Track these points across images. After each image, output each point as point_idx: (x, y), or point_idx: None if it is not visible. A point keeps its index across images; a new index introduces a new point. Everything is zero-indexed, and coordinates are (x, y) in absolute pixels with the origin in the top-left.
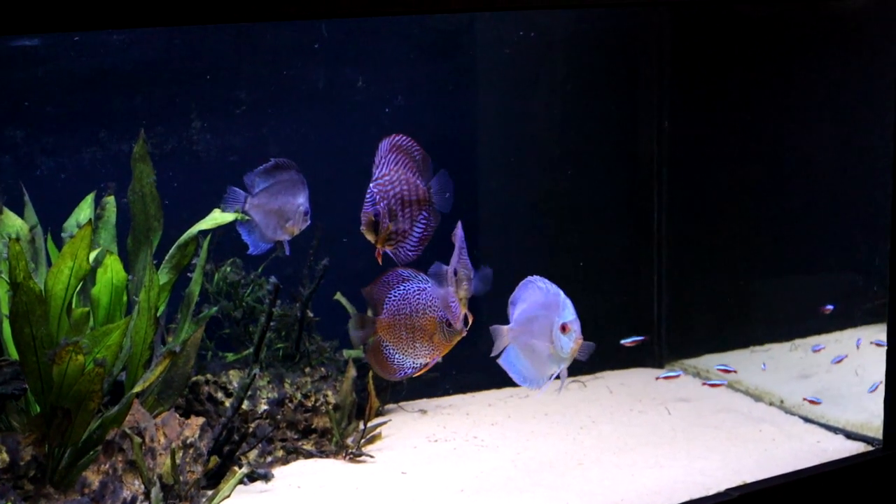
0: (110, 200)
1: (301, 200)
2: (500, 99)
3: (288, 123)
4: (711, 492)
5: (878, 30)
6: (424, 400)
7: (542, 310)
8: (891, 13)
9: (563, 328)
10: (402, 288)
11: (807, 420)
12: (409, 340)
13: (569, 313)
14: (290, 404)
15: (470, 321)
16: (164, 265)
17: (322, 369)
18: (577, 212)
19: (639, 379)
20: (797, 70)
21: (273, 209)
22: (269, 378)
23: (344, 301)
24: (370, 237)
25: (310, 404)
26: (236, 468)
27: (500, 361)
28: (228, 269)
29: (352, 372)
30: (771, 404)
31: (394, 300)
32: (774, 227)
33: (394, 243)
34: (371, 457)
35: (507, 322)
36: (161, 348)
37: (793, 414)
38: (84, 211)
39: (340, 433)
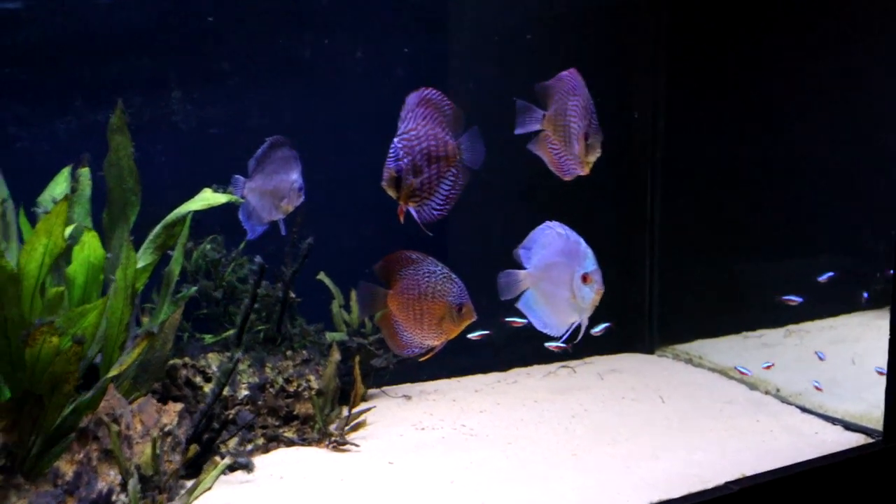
0: (85, 173)
1: (295, 177)
2: (492, 79)
3: (274, 96)
4: (710, 485)
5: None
6: (408, 385)
7: (562, 257)
8: None
9: (585, 278)
10: (411, 269)
11: (804, 410)
12: (417, 321)
13: (590, 263)
14: (271, 390)
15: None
16: (147, 245)
17: (304, 353)
18: (570, 196)
19: (630, 364)
20: (799, 53)
21: (268, 190)
22: (249, 362)
23: (328, 281)
24: (392, 193)
25: (292, 390)
26: (217, 458)
27: (518, 305)
28: (208, 246)
29: (335, 356)
30: (767, 392)
31: (405, 280)
32: (771, 212)
33: (418, 201)
34: (356, 445)
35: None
36: (137, 330)
37: (789, 403)
38: (60, 185)
39: (323, 420)
